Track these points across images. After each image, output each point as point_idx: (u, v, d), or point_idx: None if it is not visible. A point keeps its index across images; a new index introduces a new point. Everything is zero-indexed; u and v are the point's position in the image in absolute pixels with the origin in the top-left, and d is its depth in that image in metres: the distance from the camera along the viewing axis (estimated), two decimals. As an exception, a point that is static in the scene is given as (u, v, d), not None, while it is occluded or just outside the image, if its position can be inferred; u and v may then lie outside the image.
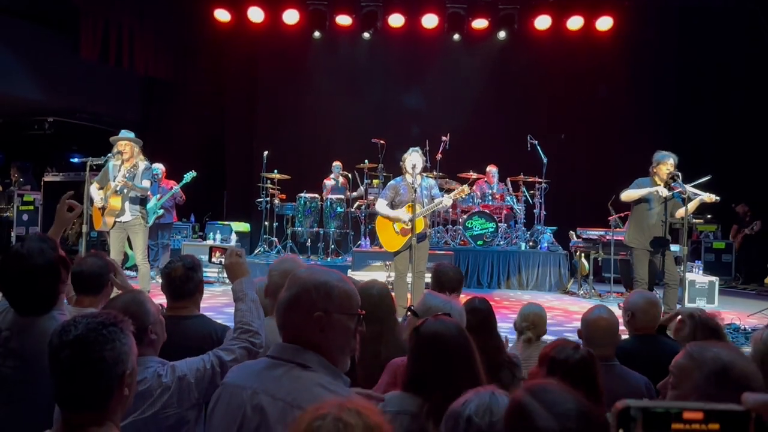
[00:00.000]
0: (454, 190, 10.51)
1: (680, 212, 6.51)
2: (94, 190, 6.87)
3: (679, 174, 6.46)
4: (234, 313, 2.62)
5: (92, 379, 1.64)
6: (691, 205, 6.39)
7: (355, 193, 11.49)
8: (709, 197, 6.39)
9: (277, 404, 1.70)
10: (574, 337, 6.70)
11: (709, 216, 12.01)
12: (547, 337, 4.25)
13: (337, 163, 11.57)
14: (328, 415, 1.16)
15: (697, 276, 9.21)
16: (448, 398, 1.99)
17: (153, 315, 2.40)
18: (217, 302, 7.86)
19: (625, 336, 3.66)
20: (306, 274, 1.87)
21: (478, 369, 2.20)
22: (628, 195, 6.81)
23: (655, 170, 6.67)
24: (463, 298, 4.06)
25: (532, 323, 3.75)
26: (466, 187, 7.10)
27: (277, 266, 3.09)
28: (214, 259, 3.02)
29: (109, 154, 6.85)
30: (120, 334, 1.71)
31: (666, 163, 6.57)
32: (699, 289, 8.96)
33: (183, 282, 3.02)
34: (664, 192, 6.55)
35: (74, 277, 2.98)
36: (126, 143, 6.90)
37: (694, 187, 6.61)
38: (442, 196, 6.77)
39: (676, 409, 0.81)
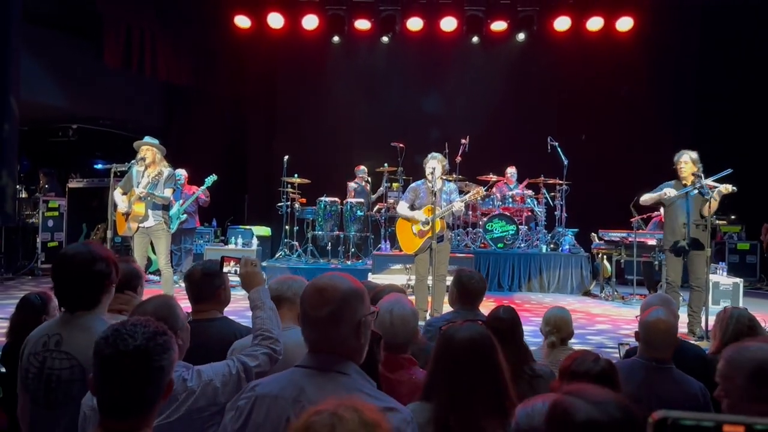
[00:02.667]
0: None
1: (706, 209, 6.48)
2: (118, 196, 6.96)
3: (701, 176, 6.40)
4: (252, 320, 2.65)
5: (148, 387, 1.67)
6: (713, 202, 6.37)
7: (374, 196, 11.52)
8: (726, 188, 6.33)
9: None
10: (597, 339, 6.67)
11: (733, 216, 11.87)
12: (574, 341, 4.23)
13: (361, 167, 11.63)
14: (325, 411, 1.19)
15: (721, 278, 9.11)
16: (455, 406, 1.95)
17: (181, 320, 2.44)
18: (239, 306, 7.87)
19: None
20: (336, 284, 1.85)
21: (496, 378, 2.10)
22: (644, 200, 6.91)
23: (677, 171, 6.67)
24: (484, 301, 4.06)
25: (555, 327, 3.72)
26: (480, 189, 7.12)
27: (276, 281, 3.15)
28: (226, 268, 3.01)
29: (132, 161, 6.94)
30: (171, 342, 1.75)
31: (680, 161, 6.60)
32: (723, 290, 8.86)
33: (200, 286, 3.09)
34: (672, 192, 6.55)
35: None
36: (148, 148, 6.99)
37: (717, 180, 6.55)
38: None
39: (713, 422, 0.79)
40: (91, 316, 2.45)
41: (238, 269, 2.86)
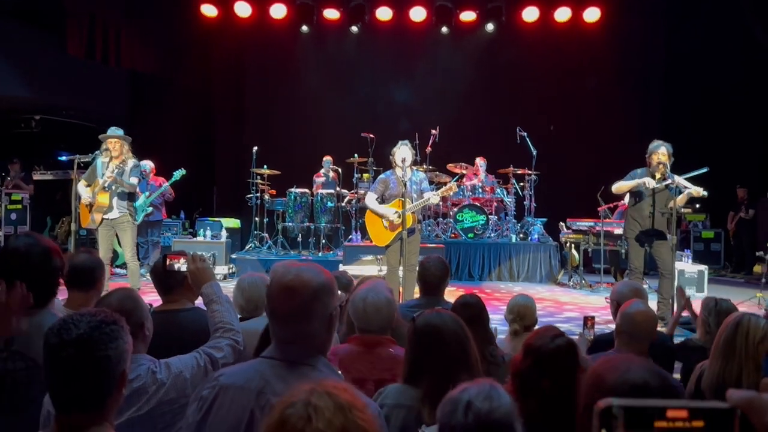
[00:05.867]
0: (443, 183, 10.57)
1: (671, 204, 6.53)
2: (82, 188, 6.84)
3: (667, 165, 6.45)
4: (210, 315, 2.61)
5: (96, 378, 1.62)
6: (680, 198, 6.40)
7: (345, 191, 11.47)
8: (697, 191, 6.38)
9: None
10: (565, 327, 6.73)
11: (697, 205, 12.09)
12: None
13: (327, 158, 11.54)
14: (298, 402, 1.15)
15: (686, 265, 9.26)
16: (444, 388, 2.01)
17: (146, 311, 2.41)
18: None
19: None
20: (304, 280, 1.79)
21: (473, 359, 2.26)
22: (619, 187, 6.78)
23: (648, 160, 6.67)
24: (454, 291, 4.08)
25: (518, 315, 3.75)
26: (453, 185, 7.11)
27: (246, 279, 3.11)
28: (175, 265, 2.88)
29: (97, 152, 6.82)
30: (121, 332, 1.70)
31: (657, 153, 6.54)
32: (688, 278, 9.02)
33: (166, 277, 3.01)
34: (651, 183, 6.54)
35: (66, 271, 2.96)
36: (115, 141, 6.87)
37: (690, 178, 6.61)
38: (432, 190, 6.76)
39: (659, 407, 0.80)
40: (42, 313, 2.38)
41: (185, 266, 2.79)
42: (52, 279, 2.45)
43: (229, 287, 4.05)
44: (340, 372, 1.88)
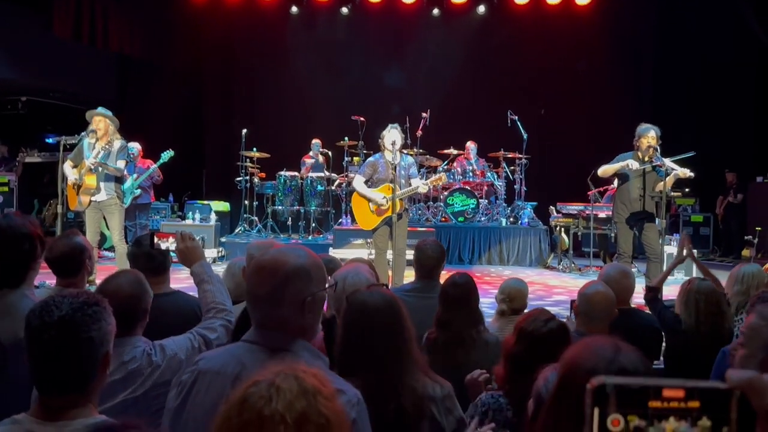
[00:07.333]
0: (434, 167, 10.55)
1: (660, 186, 6.53)
2: (68, 168, 6.73)
3: (657, 148, 6.45)
4: (201, 294, 2.58)
5: (79, 360, 1.61)
6: (668, 180, 6.41)
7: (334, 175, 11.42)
8: (683, 172, 6.39)
9: None
10: (554, 310, 6.74)
11: (687, 189, 12.13)
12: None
13: (316, 141, 11.47)
14: (263, 381, 1.13)
15: (675, 249, 9.28)
16: (377, 375, 1.99)
17: (151, 296, 2.40)
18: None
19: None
20: (278, 262, 1.76)
21: (405, 344, 2.11)
22: (605, 170, 6.81)
23: (637, 144, 6.66)
24: (444, 274, 4.06)
25: (508, 296, 3.76)
26: (443, 175, 7.11)
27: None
28: (164, 245, 2.81)
29: (83, 132, 6.73)
30: (104, 313, 1.69)
31: (647, 136, 6.54)
32: (677, 262, 9.03)
33: (153, 262, 2.97)
34: (635, 165, 6.54)
35: (47, 262, 2.90)
36: (101, 119, 6.76)
37: (676, 161, 6.61)
38: (419, 176, 6.74)
39: (654, 386, 0.77)
40: (15, 293, 2.36)
41: (174, 245, 2.75)
42: (21, 262, 2.41)
43: (218, 270, 4.04)
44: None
